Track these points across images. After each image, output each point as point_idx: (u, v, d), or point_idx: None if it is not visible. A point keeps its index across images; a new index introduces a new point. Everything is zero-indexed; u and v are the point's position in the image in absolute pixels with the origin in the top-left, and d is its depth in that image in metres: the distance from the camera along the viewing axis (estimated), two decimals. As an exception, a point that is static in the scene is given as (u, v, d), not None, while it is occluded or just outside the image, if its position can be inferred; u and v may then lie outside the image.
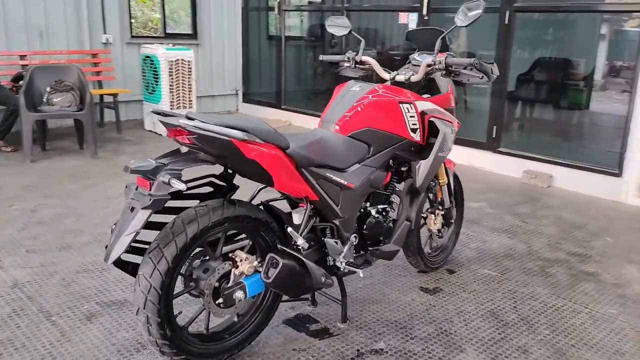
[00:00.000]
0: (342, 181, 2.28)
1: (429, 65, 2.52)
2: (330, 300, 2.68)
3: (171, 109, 6.54)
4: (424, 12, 5.73)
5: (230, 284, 2.09)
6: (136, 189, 1.92)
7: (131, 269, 2.09)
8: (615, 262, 3.38)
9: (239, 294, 2.08)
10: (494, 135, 5.40)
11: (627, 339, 2.54)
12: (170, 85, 6.49)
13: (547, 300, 2.88)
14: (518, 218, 4.11)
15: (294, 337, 2.44)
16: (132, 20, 7.38)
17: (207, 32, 8.00)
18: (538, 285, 3.03)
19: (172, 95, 6.53)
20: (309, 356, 2.31)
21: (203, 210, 1.99)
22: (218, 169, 2.14)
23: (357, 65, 2.77)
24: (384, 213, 2.58)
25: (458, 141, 5.52)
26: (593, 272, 3.23)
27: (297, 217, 2.21)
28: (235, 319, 2.29)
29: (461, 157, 5.57)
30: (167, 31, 7.73)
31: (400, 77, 2.62)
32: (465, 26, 2.41)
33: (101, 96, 6.82)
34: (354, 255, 2.45)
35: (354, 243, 2.43)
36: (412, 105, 2.46)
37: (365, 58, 2.73)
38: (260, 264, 2.13)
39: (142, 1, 8.13)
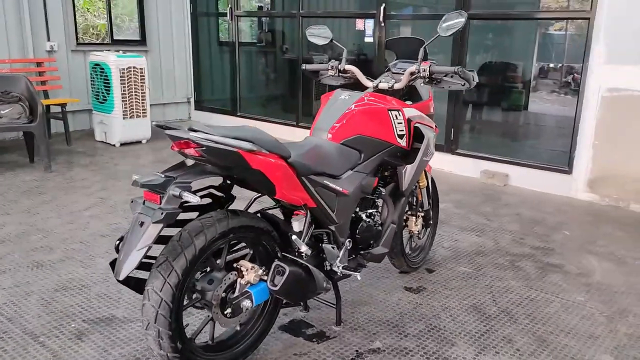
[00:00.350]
0: (338, 188, 2.35)
1: (412, 74, 2.62)
2: (320, 304, 2.73)
3: (124, 118, 6.38)
4: (380, 18, 5.88)
5: (236, 294, 2.11)
6: (143, 203, 1.91)
7: (134, 285, 2.07)
8: (575, 253, 3.62)
9: (246, 303, 2.10)
10: (452, 138, 5.62)
11: (598, 323, 2.74)
12: (122, 94, 6.33)
13: (521, 292, 3.05)
14: (482, 216, 4.31)
15: (292, 343, 2.48)
16: (78, 26, 7.14)
17: (156, 38, 7.86)
18: (511, 279, 3.21)
19: (125, 104, 6.37)
20: (311, 358, 2.35)
21: (209, 222, 2.00)
22: (217, 180, 2.15)
23: (340, 74, 2.84)
24: (372, 217, 2.66)
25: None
26: (558, 264, 3.44)
27: (297, 225, 2.25)
28: (238, 328, 2.30)
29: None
30: (115, 37, 7.52)
31: (384, 85, 2.71)
32: (447, 36, 2.54)
33: (47, 106, 6.55)
34: (347, 259, 2.52)
35: (348, 247, 2.50)
36: (400, 112, 2.56)
37: (348, 67, 2.81)
38: (264, 273, 2.16)
39: (85, 6, 7.88)
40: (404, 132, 2.60)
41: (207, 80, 8.42)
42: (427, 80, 2.63)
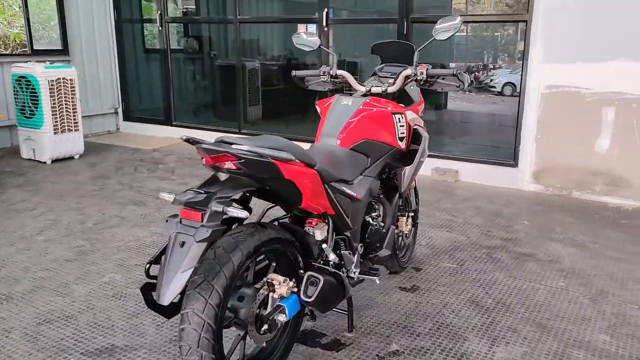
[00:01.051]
0: (352, 193, 2.34)
1: (407, 77, 2.67)
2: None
3: (55, 133, 5.96)
4: (324, 23, 5.93)
5: (269, 309, 2.04)
6: (179, 221, 1.80)
7: (164, 309, 1.95)
8: (540, 242, 3.85)
9: (280, 318, 2.04)
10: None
11: (585, 306, 2.93)
12: (52, 107, 5.91)
13: (507, 282, 3.20)
14: (446, 213, 4.46)
15: (312, 354, 2.43)
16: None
17: (78, 47, 7.41)
18: (494, 271, 3.35)
19: (56, 118, 5.95)
20: (336, 369, 2.33)
21: (242, 237, 1.92)
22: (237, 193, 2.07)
23: (332, 79, 2.83)
24: (377, 220, 2.68)
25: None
26: (529, 253, 3.64)
27: (320, 233, 2.22)
28: (264, 344, 2.23)
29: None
30: (35, 47, 7.00)
31: (377, 89, 2.74)
32: (444, 40, 2.61)
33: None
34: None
35: (361, 252, 2.50)
36: (403, 115, 2.60)
37: (340, 72, 2.81)
38: (294, 285, 2.11)
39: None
40: (404, 135, 2.64)
41: (136, 90, 8.06)
42: (421, 82, 2.69)
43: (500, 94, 15.68)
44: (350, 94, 2.89)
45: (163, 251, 1.97)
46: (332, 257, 2.19)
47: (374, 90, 2.75)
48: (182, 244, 1.76)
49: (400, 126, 2.59)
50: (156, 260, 1.93)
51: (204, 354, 1.81)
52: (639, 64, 4.53)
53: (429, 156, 5.59)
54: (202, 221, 1.76)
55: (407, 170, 2.73)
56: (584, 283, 3.20)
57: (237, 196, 1.98)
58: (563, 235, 3.98)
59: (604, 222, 4.27)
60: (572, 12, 4.67)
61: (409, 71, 2.66)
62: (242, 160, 1.81)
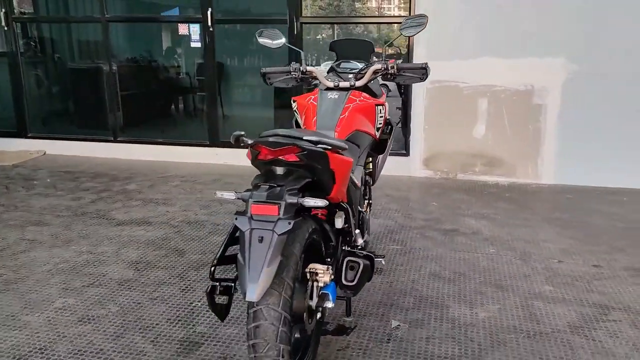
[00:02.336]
0: (357, 181, 2.46)
1: (376, 71, 2.84)
2: None
3: None
4: (209, 23, 5.83)
5: (314, 299, 2.07)
6: (250, 217, 1.76)
7: (221, 312, 1.90)
8: (455, 218, 4.32)
9: (328, 305, 2.08)
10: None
11: (520, 265, 3.40)
12: None
13: (451, 255, 3.56)
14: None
15: (325, 341, 2.49)
16: None
17: None
18: (435, 247, 3.69)
19: None
20: (356, 349, 2.42)
21: (297, 228, 1.93)
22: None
23: (302, 75, 2.88)
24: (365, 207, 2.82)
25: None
26: (453, 229, 4.07)
27: (339, 222, 2.28)
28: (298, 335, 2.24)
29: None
30: None
31: (345, 84, 2.86)
32: (411, 36, 2.83)
33: None
34: None
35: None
36: (383, 107, 2.77)
37: (310, 68, 2.88)
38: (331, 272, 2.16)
39: None
40: (381, 125, 2.82)
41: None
42: (388, 76, 2.89)
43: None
44: (310, 90, 2.99)
45: (224, 253, 1.91)
46: (360, 241, 2.28)
47: (342, 84, 2.87)
48: (261, 239, 1.73)
49: (380, 117, 2.77)
50: (220, 262, 1.87)
51: (282, 347, 1.79)
52: (503, 60, 5.28)
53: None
54: (279, 214, 1.75)
55: (381, 158, 2.91)
56: (508, 247, 3.70)
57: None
58: (469, 210, 4.51)
59: (494, 197, 4.92)
60: (450, 15, 5.26)
61: (378, 66, 2.83)
62: (305, 152, 1.83)
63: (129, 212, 4.38)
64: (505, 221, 4.25)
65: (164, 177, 5.58)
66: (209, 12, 5.82)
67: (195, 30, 5.97)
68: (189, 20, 6.04)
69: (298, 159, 1.84)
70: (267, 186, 1.79)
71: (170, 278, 3.14)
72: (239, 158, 5.94)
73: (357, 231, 2.31)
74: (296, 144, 1.80)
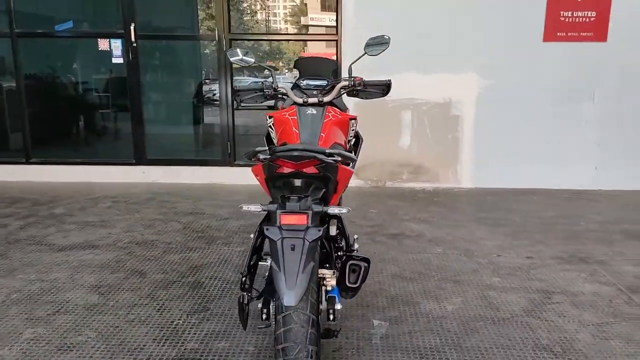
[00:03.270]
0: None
1: (343, 87, 3.01)
2: None
3: None
4: (132, 38, 5.70)
5: (323, 302, 2.18)
6: (280, 227, 1.85)
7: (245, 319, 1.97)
8: (397, 223, 4.60)
9: (338, 307, 2.19)
10: (229, 151, 5.95)
11: (466, 261, 3.72)
12: None
13: (405, 257, 3.79)
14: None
15: (319, 344, 2.60)
16: None
17: None
18: (388, 251, 3.92)
19: None
20: (349, 349, 2.56)
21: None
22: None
23: (274, 92, 2.98)
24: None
25: (197, 162, 5.91)
26: (398, 233, 4.34)
27: (333, 229, 2.41)
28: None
29: (202, 176, 5.92)
30: None
31: (314, 100, 3.01)
32: (375, 55, 3.04)
33: None
34: None
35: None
36: (355, 120, 2.93)
37: (281, 85, 2.99)
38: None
39: None
40: (351, 138, 2.99)
41: None
42: (353, 92, 3.07)
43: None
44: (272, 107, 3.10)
45: (250, 262, 1.97)
46: (356, 246, 2.42)
47: (311, 100, 3.01)
48: (293, 247, 1.82)
49: (352, 130, 2.94)
50: (248, 272, 1.93)
51: (311, 348, 1.89)
52: (424, 75, 5.71)
53: (247, 165, 5.99)
54: (307, 223, 1.85)
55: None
56: (452, 247, 4.02)
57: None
58: (407, 216, 4.81)
59: (425, 202, 5.29)
60: (371, 33, 5.58)
61: (345, 82, 3.01)
62: (323, 164, 1.95)
63: (68, 236, 4.17)
64: (442, 223, 4.60)
65: (92, 198, 5.34)
66: (132, 27, 5.70)
67: (117, 45, 5.80)
68: (111, 36, 5.86)
69: (317, 171, 1.96)
70: (297, 197, 1.89)
71: (140, 299, 3.07)
72: (167, 176, 5.86)
73: (356, 236, 2.45)
74: (317, 157, 1.92)
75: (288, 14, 45.18)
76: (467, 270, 3.56)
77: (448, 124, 5.83)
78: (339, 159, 2.06)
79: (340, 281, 2.28)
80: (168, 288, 3.23)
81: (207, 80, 8.44)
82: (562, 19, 5.58)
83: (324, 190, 2.06)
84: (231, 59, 3.00)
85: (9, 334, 2.68)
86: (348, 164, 2.26)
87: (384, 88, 3.02)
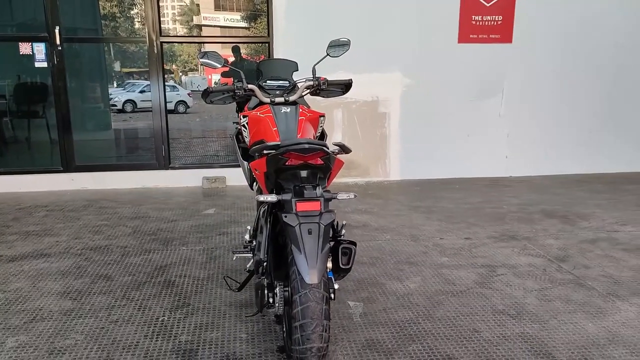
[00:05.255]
0: None
1: (308, 87, 3.21)
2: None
3: None
4: (57, 41, 5.49)
5: None
6: (296, 214, 2.02)
7: (263, 304, 2.12)
8: (338, 215, 4.86)
9: (336, 286, 2.38)
10: (163, 154, 5.91)
11: (414, 245, 4.06)
12: None
13: (359, 245, 4.02)
14: (246, 210, 5.01)
15: (307, 326, 2.78)
16: None
17: None
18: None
19: None
20: (336, 328, 2.76)
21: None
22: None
23: (245, 93, 3.11)
24: None
25: (130, 167, 5.83)
26: (345, 224, 4.58)
27: None
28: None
29: (136, 181, 5.83)
30: None
31: (280, 99, 3.18)
32: (336, 56, 3.26)
33: None
34: None
35: None
36: (324, 117, 3.14)
37: (250, 86, 3.13)
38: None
39: None
40: (319, 134, 3.19)
41: None
42: (317, 91, 3.27)
43: (121, 111, 16.55)
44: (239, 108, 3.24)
45: (266, 251, 2.13)
46: (343, 232, 2.63)
47: (278, 100, 3.18)
48: (310, 231, 2.00)
49: (320, 126, 3.14)
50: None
51: (326, 323, 2.07)
52: (353, 75, 5.97)
53: (199, 166, 6.01)
54: (320, 209, 2.04)
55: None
56: (398, 233, 4.36)
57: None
58: (348, 208, 5.10)
59: (361, 195, 5.60)
60: (301, 36, 5.82)
61: (310, 82, 3.20)
62: (327, 156, 2.15)
63: (13, 247, 4.00)
64: (383, 213, 4.93)
65: (23, 208, 5.10)
66: (56, 30, 5.50)
67: (39, 49, 5.56)
68: (34, 39, 5.60)
69: (322, 162, 2.15)
70: (311, 186, 2.07)
71: (115, 301, 3.08)
72: (99, 182, 5.73)
73: (345, 222, 2.65)
74: (323, 149, 2.11)
75: (177, 13, 44.03)
76: (417, 253, 3.89)
77: (376, 121, 6.20)
78: (337, 150, 2.27)
79: (333, 264, 2.48)
80: (140, 289, 3.25)
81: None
82: (474, 22, 6.15)
83: (326, 179, 2.26)
84: (201, 61, 3.09)
85: (-12, 345, 2.60)
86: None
87: (345, 87, 3.24)
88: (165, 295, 3.15)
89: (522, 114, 6.42)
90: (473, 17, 6.14)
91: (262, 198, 2.10)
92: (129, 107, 17.13)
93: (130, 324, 2.80)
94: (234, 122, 3.46)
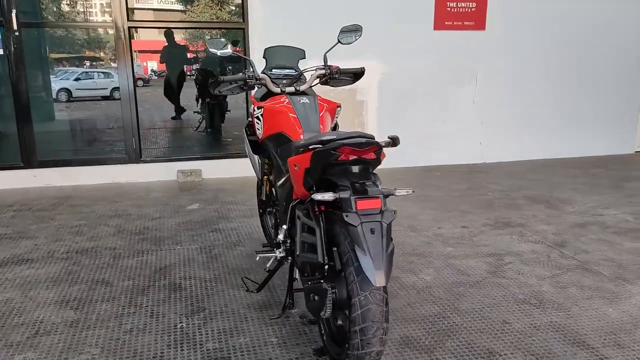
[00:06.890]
0: None
1: (319, 76, 3.06)
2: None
3: None
4: (15, 27, 5.05)
5: None
6: (357, 213, 1.90)
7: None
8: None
9: None
10: (134, 147, 5.59)
11: (422, 235, 4.02)
12: None
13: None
14: (232, 204, 4.82)
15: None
16: None
17: None
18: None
19: None
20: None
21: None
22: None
23: (256, 82, 2.93)
24: None
25: (98, 161, 5.50)
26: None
27: None
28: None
29: (105, 176, 5.51)
30: None
31: (291, 88, 3.02)
32: (348, 43, 3.12)
33: None
34: None
35: None
36: (340, 108, 3.00)
37: (261, 75, 2.95)
38: None
39: None
40: (334, 124, 3.06)
41: None
42: (327, 80, 3.13)
43: (56, 100, 15.63)
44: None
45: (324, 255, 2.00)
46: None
47: (288, 89, 3.02)
48: (372, 230, 1.88)
49: (336, 117, 3.01)
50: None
51: (386, 325, 1.98)
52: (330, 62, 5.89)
53: (172, 159, 5.74)
54: (381, 207, 1.93)
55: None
56: (397, 223, 4.21)
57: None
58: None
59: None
60: (275, 26, 5.62)
61: (322, 71, 3.06)
62: (380, 150, 2.03)
63: (-14, 252, 3.66)
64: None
65: (-15, 209, 4.69)
66: (13, 14, 5.05)
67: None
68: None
69: (375, 157, 2.03)
70: (371, 183, 1.94)
71: (123, 308, 2.85)
72: (65, 178, 5.38)
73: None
74: (378, 144, 1.99)
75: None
76: (420, 244, 3.85)
77: (355, 109, 6.11)
78: (383, 144, 2.15)
79: None
80: (145, 294, 3.03)
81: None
82: (449, 9, 6.15)
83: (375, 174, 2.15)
84: (210, 49, 2.89)
85: (-8, 365, 2.34)
86: None
87: (355, 76, 3.13)
88: (176, 300, 2.95)
89: (494, 101, 6.51)
90: (448, 3, 6.13)
91: (319, 196, 1.95)
92: (63, 97, 16.05)
93: (147, 333, 2.60)
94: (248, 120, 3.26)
